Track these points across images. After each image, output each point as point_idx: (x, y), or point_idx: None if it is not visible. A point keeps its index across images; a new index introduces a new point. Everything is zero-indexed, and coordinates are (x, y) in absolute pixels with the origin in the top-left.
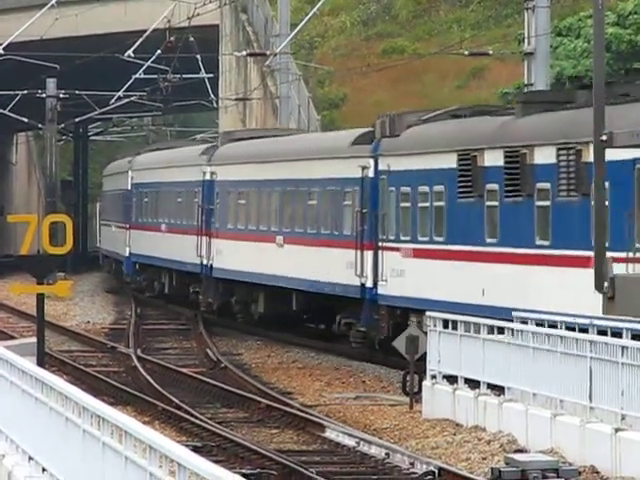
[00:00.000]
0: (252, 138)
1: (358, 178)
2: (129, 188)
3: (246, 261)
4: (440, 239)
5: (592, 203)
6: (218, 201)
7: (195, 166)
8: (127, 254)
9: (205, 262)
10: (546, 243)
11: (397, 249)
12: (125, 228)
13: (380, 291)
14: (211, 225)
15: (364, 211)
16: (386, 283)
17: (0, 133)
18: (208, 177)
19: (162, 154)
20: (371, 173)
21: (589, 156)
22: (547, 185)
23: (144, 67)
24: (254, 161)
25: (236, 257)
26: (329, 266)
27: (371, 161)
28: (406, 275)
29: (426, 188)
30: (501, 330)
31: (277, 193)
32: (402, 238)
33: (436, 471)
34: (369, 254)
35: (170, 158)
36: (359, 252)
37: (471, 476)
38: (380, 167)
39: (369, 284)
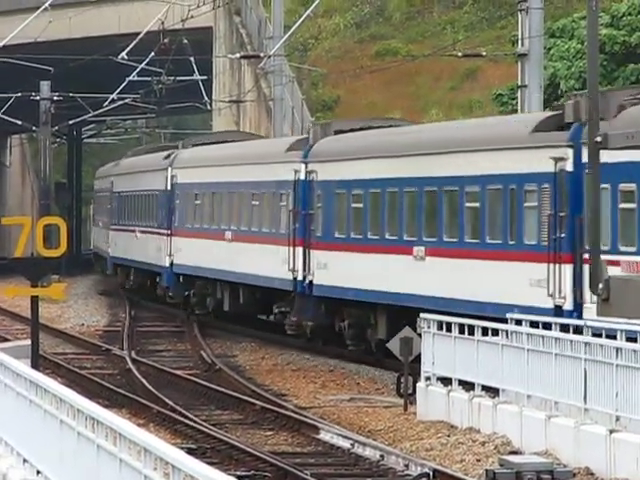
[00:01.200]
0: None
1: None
2: (167, 188)
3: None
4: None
5: None
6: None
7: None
8: (167, 264)
9: (300, 277)
10: None
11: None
12: (163, 235)
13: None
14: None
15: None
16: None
17: None
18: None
19: (226, 148)
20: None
21: None
22: None
23: (138, 69)
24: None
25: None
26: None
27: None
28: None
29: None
30: (495, 332)
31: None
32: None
33: (430, 473)
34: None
35: (241, 153)
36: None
37: (466, 478)
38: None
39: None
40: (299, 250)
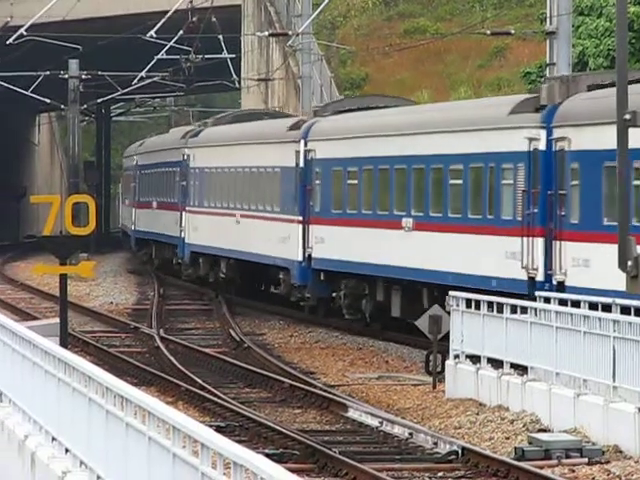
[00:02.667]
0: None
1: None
2: (300, 165)
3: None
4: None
5: None
6: None
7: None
8: (300, 259)
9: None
10: None
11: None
12: (297, 222)
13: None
14: None
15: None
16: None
17: (23, 114)
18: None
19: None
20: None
21: None
22: None
23: (166, 47)
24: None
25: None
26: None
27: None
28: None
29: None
30: (524, 309)
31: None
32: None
33: (459, 451)
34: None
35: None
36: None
37: (494, 455)
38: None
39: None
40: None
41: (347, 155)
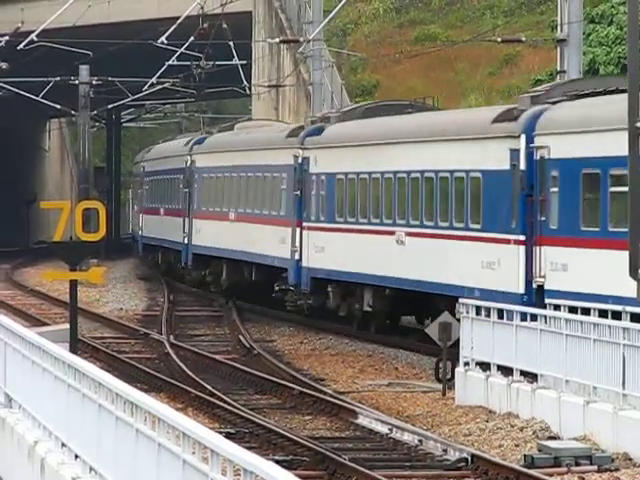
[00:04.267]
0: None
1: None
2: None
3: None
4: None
5: None
6: None
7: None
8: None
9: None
10: None
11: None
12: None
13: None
14: None
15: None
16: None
17: (33, 120)
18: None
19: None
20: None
21: None
22: None
23: (177, 54)
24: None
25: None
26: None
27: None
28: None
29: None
30: (534, 317)
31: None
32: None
33: (469, 458)
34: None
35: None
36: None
37: (504, 463)
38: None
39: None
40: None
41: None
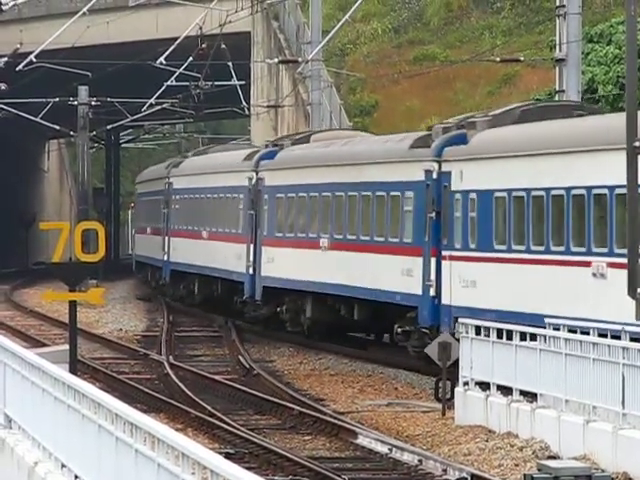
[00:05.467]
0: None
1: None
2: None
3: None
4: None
5: None
6: None
7: None
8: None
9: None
10: None
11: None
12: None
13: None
14: None
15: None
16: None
17: (32, 140)
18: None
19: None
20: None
21: None
22: None
23: (176, 74)
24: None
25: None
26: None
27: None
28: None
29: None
30: (533, 337)
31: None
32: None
33: (469, 477)
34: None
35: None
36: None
37: None
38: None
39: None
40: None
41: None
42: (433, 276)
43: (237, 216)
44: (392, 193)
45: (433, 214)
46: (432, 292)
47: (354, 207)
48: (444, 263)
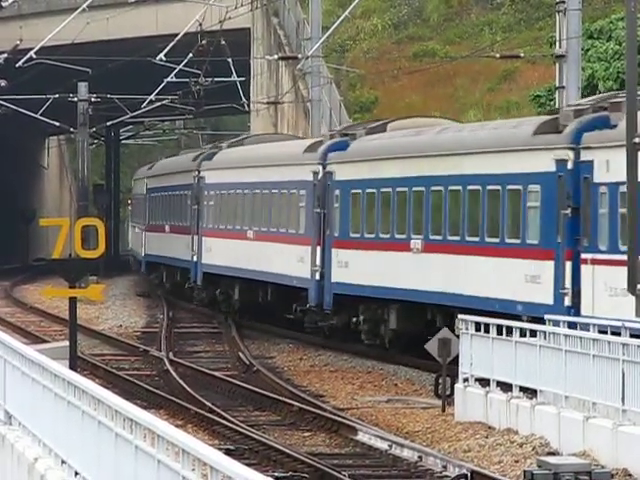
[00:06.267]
0: None
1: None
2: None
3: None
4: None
5: None
6: None
7: None
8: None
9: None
10: None
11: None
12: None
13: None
14: None
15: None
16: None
17: (32, 137)
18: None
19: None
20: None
21: None
22: None
23: (176, 70)
24: None
25: None
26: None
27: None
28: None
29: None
30: (533, 333)
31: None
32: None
33: (468, 474)
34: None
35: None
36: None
37: (504, 479)
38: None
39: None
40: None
41: None
42: (568, 283)
43: (297, 214)
44: (510, 187)
45: (568, 210)
46: (568, 301)
47: (457, 203)
48: (584, 268)
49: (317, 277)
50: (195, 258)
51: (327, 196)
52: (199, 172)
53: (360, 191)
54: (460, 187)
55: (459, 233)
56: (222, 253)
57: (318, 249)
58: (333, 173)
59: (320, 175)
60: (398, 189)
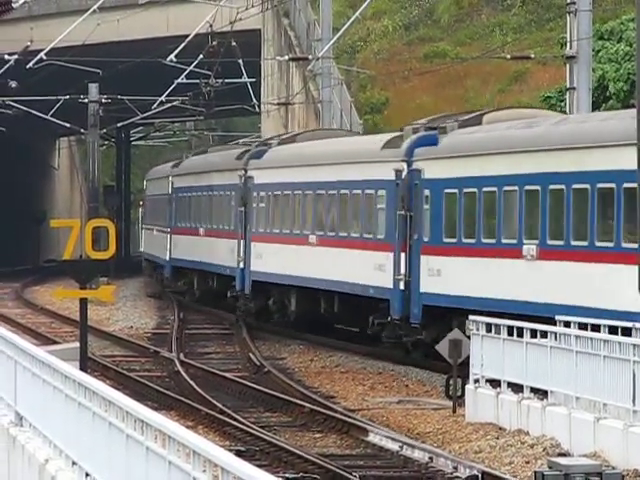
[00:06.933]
0: None
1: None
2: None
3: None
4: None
5: None
6: None
7: None
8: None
9: None
10: None
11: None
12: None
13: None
14: None
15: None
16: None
17: (43, 138)
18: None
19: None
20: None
21: None
22: None
23: (186, 72)
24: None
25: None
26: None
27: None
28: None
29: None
30: (544, 334)
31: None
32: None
33: (479, 475)
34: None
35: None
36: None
37: None
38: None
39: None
40: None
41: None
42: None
43: (375, 217)
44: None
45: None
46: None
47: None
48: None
49: (400, 286)
50: (242, 265)
51: (415, 196)
52: (246, 171)
53: (457, 191)
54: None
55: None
56: (276, 260)
57: (403, 255)
58: (422, 171)
59: (404, 173)
60: (506, 188)
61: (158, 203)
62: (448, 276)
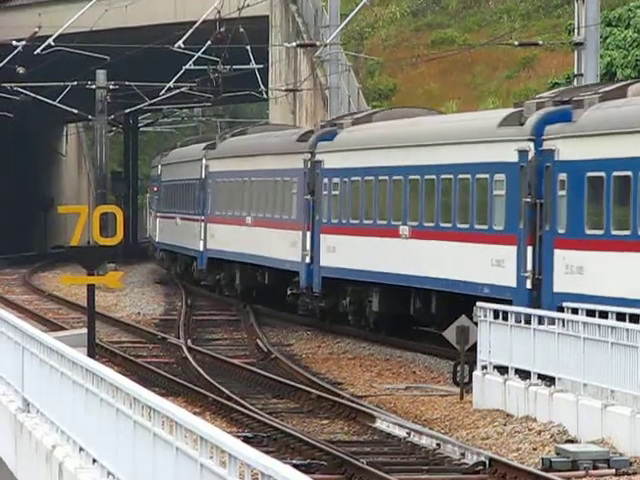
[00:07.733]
0: None
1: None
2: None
3: None
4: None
5: None
6: None
7: None
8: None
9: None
10: None
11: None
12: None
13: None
14: None
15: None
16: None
17: (50, 124)
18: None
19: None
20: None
21: None
22: None
23: (194, 58)
24: None
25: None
26: None
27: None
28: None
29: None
30: (552, 320)
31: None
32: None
33: (487, 461)
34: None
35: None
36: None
37: (522, 466)
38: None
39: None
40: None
41: None
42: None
43: (488, 206)
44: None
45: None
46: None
47: None
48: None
49: (528, 285)
50: (308, 259)
51: (546, 181)
52: (313, 155)
53: (604, 174)
54: None
55: None
56: (354, 254)
57: (530, 248)
58: (556, 151)
59: (531, 154)
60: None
61: (181, 189)
62: (589, 274)
